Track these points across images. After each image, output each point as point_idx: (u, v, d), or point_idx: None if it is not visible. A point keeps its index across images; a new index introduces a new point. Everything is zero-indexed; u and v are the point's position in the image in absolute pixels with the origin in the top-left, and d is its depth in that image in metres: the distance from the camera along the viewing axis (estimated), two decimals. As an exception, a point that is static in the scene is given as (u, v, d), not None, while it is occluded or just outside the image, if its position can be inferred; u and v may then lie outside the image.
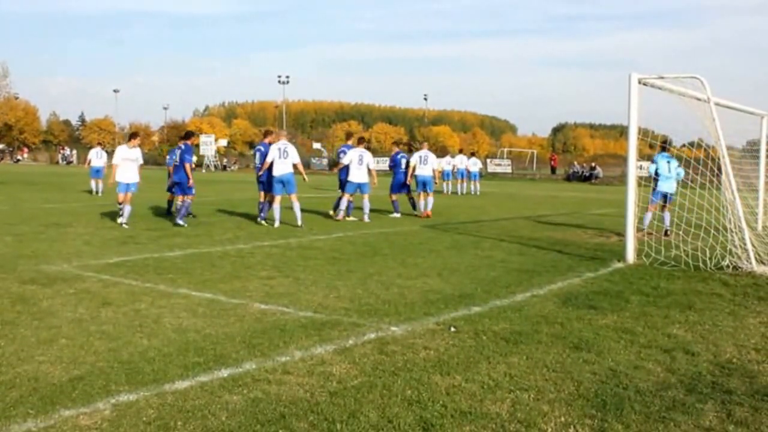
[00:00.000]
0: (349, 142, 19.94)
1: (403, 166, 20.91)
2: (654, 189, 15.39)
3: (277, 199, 16.81)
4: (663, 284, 9.86)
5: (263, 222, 17.25)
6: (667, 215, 15.40)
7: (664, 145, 15.70)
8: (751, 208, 14.60)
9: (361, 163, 18.56)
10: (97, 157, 29.60)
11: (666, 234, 14.74)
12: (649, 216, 15.18)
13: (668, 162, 15.31)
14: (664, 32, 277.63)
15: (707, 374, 5.81)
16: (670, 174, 15.32)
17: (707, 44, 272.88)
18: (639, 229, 14.21)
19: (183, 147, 17.27)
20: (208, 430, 4.52)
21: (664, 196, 15.50)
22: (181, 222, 16.36)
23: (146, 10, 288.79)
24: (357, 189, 18.59)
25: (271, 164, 16.68)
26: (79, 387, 5.22)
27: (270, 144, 17.36)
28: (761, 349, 6.62)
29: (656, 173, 15.40)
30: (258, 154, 18.01)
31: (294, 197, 16.75)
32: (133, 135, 17.16)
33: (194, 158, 17.82)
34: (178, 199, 17.63)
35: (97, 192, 28.15)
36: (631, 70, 11.86)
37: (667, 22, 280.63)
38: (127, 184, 16.22)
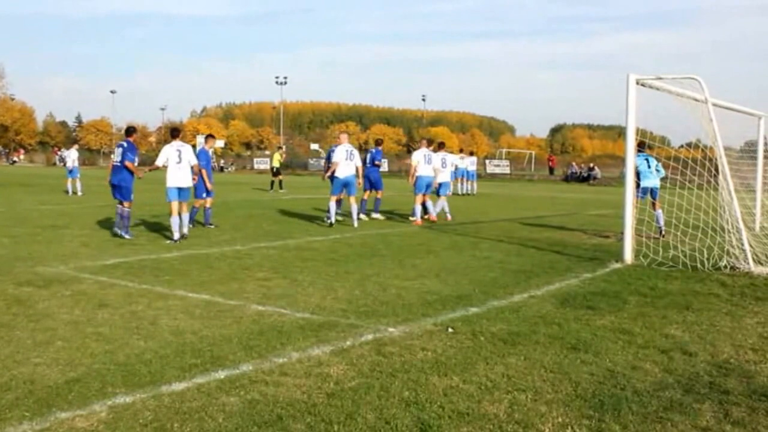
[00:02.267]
0: (430, 148, 20.46)
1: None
2: (637, 185, 15.32)
3: (333, 198, 17.30)
4: (661, 285, 9.85)
5: (328, 221, 17.70)
6: (659, 214, 15.38)
7: (641, 147, 15.63)
8: (749, 208, 14.60)
9: (429, 163, 19.30)
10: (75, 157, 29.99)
11: (661, 234, 14.73)
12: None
13: (646, 160, 15.33)
14: (662, 33, 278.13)
15: (704, 374, 5.80)
16: (650, 169, 15.35)
17: (705, 45, 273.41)
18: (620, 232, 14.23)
19: (125, 144, 14.63)
20: (205, 431, 4.51)
21: (651, 192, 15.49)
22: (122, 233, 14.11)
23: (143, 11, 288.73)
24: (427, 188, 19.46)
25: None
26: (75, 389, 5.21)
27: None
28: (758, 350, 6.62)
29: (637, 172, 15.35)
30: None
31: (353, 199, 17.35)
32: (174, 131, 15.00)
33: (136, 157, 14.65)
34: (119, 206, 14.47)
35: (75, 192, 28.43)
36: (629, 71, 11.88)
37: (665, 23, 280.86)
38: (179, 189, 14.04)
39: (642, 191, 15.33)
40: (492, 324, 7.38)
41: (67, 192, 28.81)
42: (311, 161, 77.50)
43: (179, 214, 13.99)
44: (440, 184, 19.89)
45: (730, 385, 5.52)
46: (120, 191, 14.42)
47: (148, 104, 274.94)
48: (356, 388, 5.32)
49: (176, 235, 13.77)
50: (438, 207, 19.74)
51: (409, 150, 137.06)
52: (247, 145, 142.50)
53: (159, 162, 14.26)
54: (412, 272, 10.67)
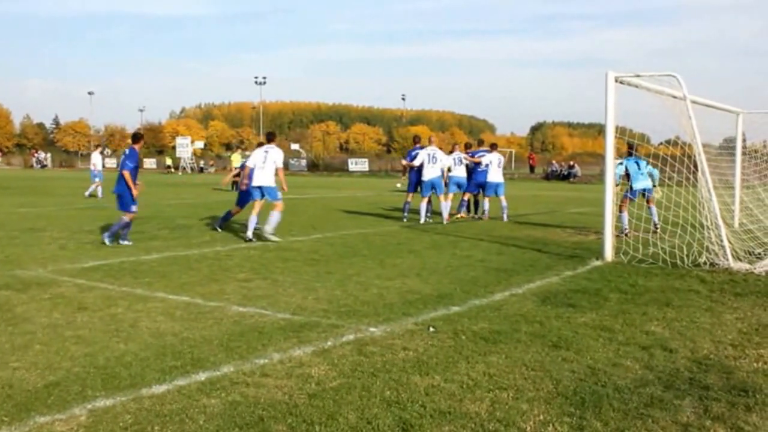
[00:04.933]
0: (483, 148, 21.74)
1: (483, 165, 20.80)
2: (630, 188, 15.58)
3: (425, 199, 18.81)
4: (641, 282, 9.90)
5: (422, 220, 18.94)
6: (653, 210, 15.59)
7: (631, 150, 15.88)
8: (728, 205, 14.72)
9: (460, 164, 20.20)
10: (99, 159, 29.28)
11: (655, 230, 14.87)
12: (625, 215, 15.25)
13: (636, 163, 15.59)
14: (640, 31, 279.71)
15: (685, 370, 5.84)
16: (641, 171, 15.58)
17: (684, 43, 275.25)
18: (619, 230, 14.32)
19: (126, 152, 13.97)
20: (186, 434, 4.49)
21: (643, 193, 15.70)
22: (104, 237, 13.59)
23: (122, 11, 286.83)
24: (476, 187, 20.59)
25: (421, 167, 18.64)
26: (54, 393, 5.16)
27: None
28: (738, 345, 6.67)
29: (627, 174, 15.64)
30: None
31: (442, 197, 19.03)
32: (270, 134, 15.34)
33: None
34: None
35: (94, 195, 27.78)
36: (608, 68, 11.91)
37: (644, 21, 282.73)
38: (260, 188, 14.40)
39: (632, 193, 15.57)
40: (473, 323, 7.39)
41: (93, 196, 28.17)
42: (292, 161, 77.26)
43: (257, 213, 14.37)
44: (497, 185, 20.34)
45: (710, 381, 5.56)
46: (118, 201, 13.67)
47: (126, 105, 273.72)
48: (338, 388, 5.30)
49: (249, 234, 14.19)
50: (501, 208, 20.27)
51: (389, 150, 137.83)
52: (227, 146, 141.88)
53: (249, 163, 14.77)
54: (393, 272, 10.66)
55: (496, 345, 6.56)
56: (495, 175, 20.38)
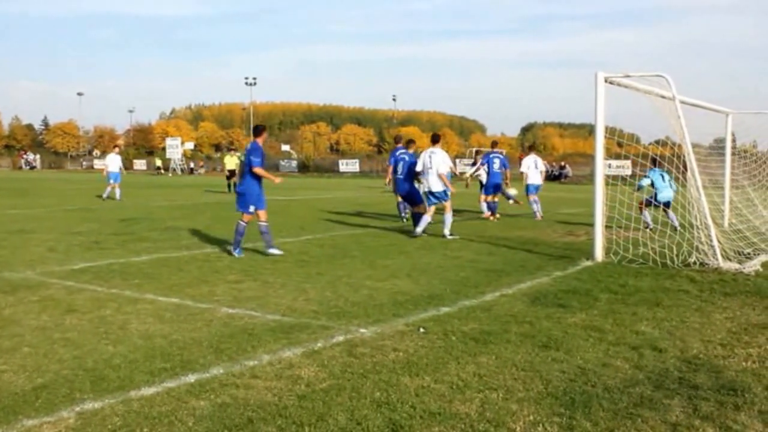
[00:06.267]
0: (492, 149, 22.31)
1: (496, 166, 20.93)
2: (655, 197, 16.15)
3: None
4: (631, 282, 9.92)
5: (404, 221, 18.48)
6: (672, 216, 15.78)
7: (656, 160, 16.11)
8: (717, 205, 14.77)
9: (537, 168, 21.62)
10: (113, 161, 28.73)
11: (674, 230, 14.98)
12: (647, 213, 15.90)
13: (662, 175, 16.19)
14: (630, 31, 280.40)
15: (674, 370, 5.85)
16: (666, 183, 16.22)
17: (674, 43, 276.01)
18: (645, 225, 14.62)
19: (248, 146, 13.05)
20: (175, 436, 4.47)
21: (665, 203, 16.15)
22: (273, 251, 12.36)
23: (111, 12, 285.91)
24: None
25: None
26: (42, 396, 5.13)
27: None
28: (727, 345, 6.68)
29: (652, 185, 16.32)
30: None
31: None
32: (435, 136, 16.34)
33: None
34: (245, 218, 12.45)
35: (112, 197, 27.41)
36: (599, 69, 11.93)
37: (634, 21, 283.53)
38: (429, 193, 15.43)
39: (656, 200, 16.22)
40: (463, 323, 7.39)
41: (102, 197, 27.73)
42: (282, 162, 77.19)
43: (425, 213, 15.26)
44: (537, 186, 21.17)
45: (699, 380, 5.57)
46: (239, 200, 12.67)
47: (115, 106, 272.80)
48: (327, 389, 5.29)
49: (419, 230, 15.13)
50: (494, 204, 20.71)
51: (380, 151, 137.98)
52: (217, 147, 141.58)
53: (418, 168, 15.46)
54: (383, 273, 10.65)
55: (486, 345, 6.56)
56: (535, 177, 21.32)
